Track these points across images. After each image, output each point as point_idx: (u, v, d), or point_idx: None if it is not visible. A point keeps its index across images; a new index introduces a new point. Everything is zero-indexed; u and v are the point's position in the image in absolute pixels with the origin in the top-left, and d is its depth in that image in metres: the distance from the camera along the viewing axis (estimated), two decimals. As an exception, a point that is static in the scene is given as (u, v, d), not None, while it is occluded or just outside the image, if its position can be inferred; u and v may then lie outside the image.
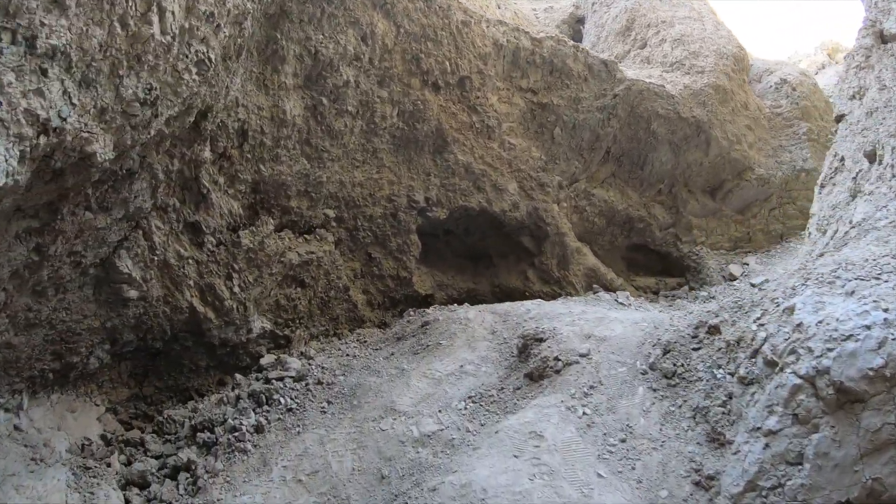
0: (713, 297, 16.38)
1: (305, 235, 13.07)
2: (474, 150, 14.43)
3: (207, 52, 8.34)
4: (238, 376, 11.89)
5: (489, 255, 16.02)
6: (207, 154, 10.24)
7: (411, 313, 13.73)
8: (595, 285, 16.04)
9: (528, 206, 15.19)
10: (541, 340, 10.59)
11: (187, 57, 8.03)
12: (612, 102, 15.65)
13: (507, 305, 13.11)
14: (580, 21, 21.09)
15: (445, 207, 14.43)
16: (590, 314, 11.65)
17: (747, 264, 17.89)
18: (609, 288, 16.75)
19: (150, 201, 9.54)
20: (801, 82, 20.29)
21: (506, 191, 14.89)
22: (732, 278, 17.16)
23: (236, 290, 11.62)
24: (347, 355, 12.29)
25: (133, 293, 10.06)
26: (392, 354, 11.96)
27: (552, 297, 16.10)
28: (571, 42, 15.76)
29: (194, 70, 8.22)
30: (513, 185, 14.97)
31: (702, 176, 17.37)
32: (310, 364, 11.91)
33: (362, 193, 13.49)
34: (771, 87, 20.10)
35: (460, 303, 16.06)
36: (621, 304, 13.87)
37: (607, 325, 10.79)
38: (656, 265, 17.98)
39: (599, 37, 19.18)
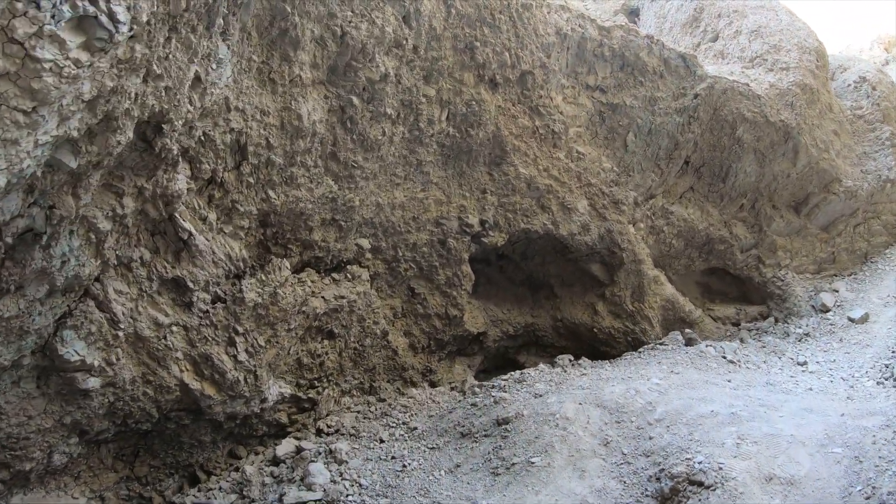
0: (808, 335, 12.82)
1: (333, 274, 9.49)
2: (538, 160, 10.87)
3: (114, 8, 4.58)
4: (248, 469, 8.39)
5: (550, 283, 12.52)
6: (182, 183, 6.65)
7: (476, 390, 10.03)
8: (681, 330, 12.41)
9: (601, 227, 11.61)
10: (700, 485, 6.65)
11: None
12: (693, 103, 12.09)
13: (616, 392, 8.98)
14: (634, 13, 17.42)
15: (504, 231, 10.85)
16: (740, 406, 8.03)
17: (837, 291, 14.28)
18: (687, 321, 13.16)
19: (94, 262, 5.99)
20: (880, 80, 16.61)
21: (575, 210, 11.33)
22: (825, 309, 13.54)
23: (242, 357, 8.05)
24: (393, 457, 8.50)
25: (93, 382, 6.55)
26: (457, 467, 8.06)
27: (625, 334, 12.49)
28: (644, 32, 12.21)
29: (97, 46, 4.44)
30: (583, 202, 11.40)
31: (787, 189, 13.78)
32: (341, 473, 8.15)
33: (404, 217, 9.92)
34: (849, 85, 16.45)
35: (516, 339, 12.55)
36: (730, 361, 10.31)
37: (786, 450, 7.01)
38: (733, 291, 14.36)
39: (661, 29, 15.61)
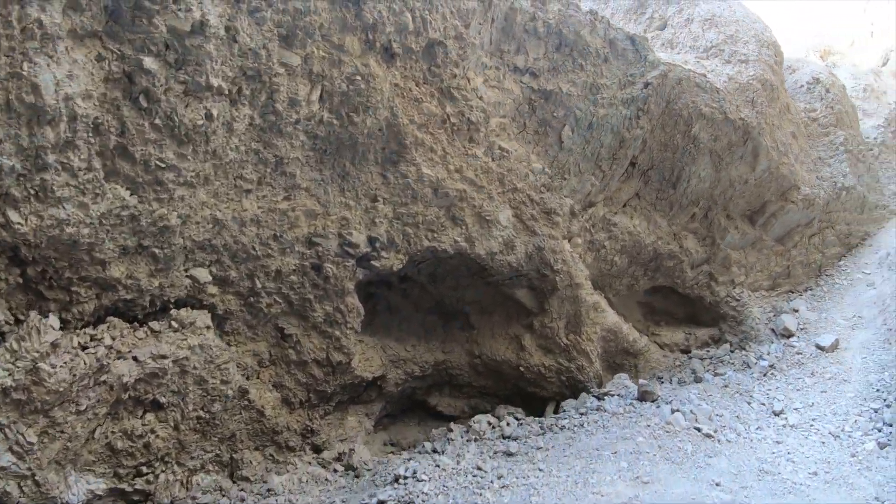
0: (773, 367, 9.79)
1: (153, 323, 6.09)
2: (448, 158, 7.41)
3: None
4: None
5: (465, 311, 9.16)
6: None
7: (365, 472, 6.63)
8: (626, 362, 9.33)
9: (529, 244, 8.21)
10: None
11: None
12: (643, 94, 8.86)
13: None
14: None
15: (402, 251, 7.38)
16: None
17: (797, 311, 11.32)
18: (631, 352, 9.96)
19: None
20: (833, 83, 13.68)
21: (495, 222, 7.96)
22: (788, 334, 10.51)
23: (5, 461, 4.66)
24: None
25: None
26: None
27: (559, 372, 9.18)
28: (586, 6, 8.95)
29: None
30: (506, 212, 7.99)
31: (744, 197, 10.73)
32: None
33: (260, 236, 6.40)
34: (802, 87, 13.49)
35: (425, 380, 9.20)
36: (707, 435, 7.10)
37: None
38: (679, 311, 11.25)
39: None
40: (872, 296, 11.32)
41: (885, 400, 8.24)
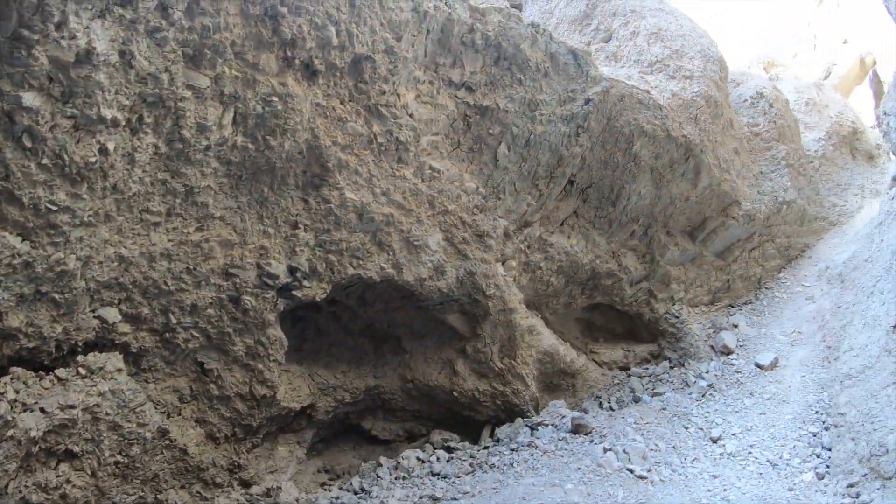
0: (712, 386, 9.74)
1: (59, 371, 5.60)
2: (374, 181, 7.03)
3: None
4: None
5: (397, 335, 8.77)
6: None
7: None
8: (563, 382, 9.15)
9: (460, 269, 7.88)
10: None
11: None
12: (583, 110, 8.63)
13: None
14: (517, 7, 13.93)
15: (325, 280, 6.98)
16: None
17: (737, 326, 11.30)
18: (568, 372, 9.78)
19: None
20: (776, 97, 13.69)
21: (424, 248, 7.57)
22: (727, 351, 10.48)
23: None
24: None
25: None
26: None
27: (493, 396, 8.93)
28: (528, 19, 8.66)
29: None
30: (436, 236, 7.64)
31: (685, 214, 10.62)
32: None
33: (172, 270, 5.89)
34: (746, 101, 13.45)
35: (358, 405, 8.86)
36: (640, 476, 6.92)
37: None
38: (618, 327, 11.10)
39: (547, 25, 12.18)
40: (812, 310, 11.36)
41: (823, 422, 8.20)
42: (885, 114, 10.25)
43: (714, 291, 11.68)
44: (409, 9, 6.99)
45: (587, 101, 8.61)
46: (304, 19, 5.97)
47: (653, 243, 10.34)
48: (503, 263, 8.41)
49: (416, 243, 7.51)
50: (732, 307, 11.96)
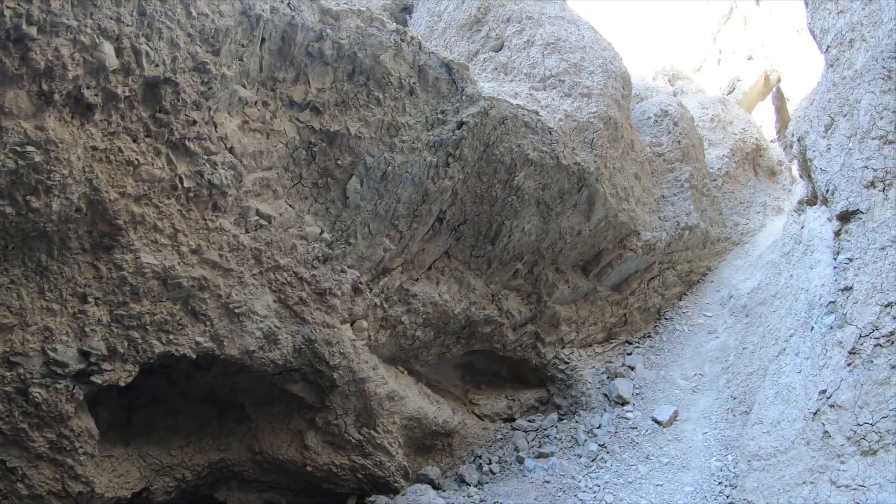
0: (605, 447, 8.52)
1: None
2: (181, 237, 5.32)
3: None
4: None
5: (240, 402, 7.14)
6: None
7: None
8: (433, 444, 7.71)
9: (297, 336, 6.25)
10: None
11: None
12: (456, 136, 7.15)
13: None
14: (407, 10, 12.35)
15: (130, 361, 5.32)
16: None
17: (633, 369, 10.18)
18: (443, 432, 8.40)
19: None
20: (681, 116, 12.67)
21: (250, 314, 5.89)
22: (622, 402, 9.35)
23: None
24: None
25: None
26: None
27: (354, 470, 7.37)
28: (393, 24, 7.07)
29: None
30: (264, 299, 5.98)
31: (577, 249, 9.31)
32: None
33: None
34: (649, 118, 12.35)
35: (206, 477, 7.13)
36: None
37: None
38: (503, 369, 9.68)
39: (433, 29, 10.59)
40: (715, 347, 10.41)
41: (727, 496, 7.11)
42: (792, 135, 9.44)
43: (609, 328, 10.54)
44: (232, 13, 5.30)
45: (460, 125, 7.14)
46: (63, 40, 4.20)
47: (539, 282, 9.03)
48: (353, 324, 6.85)
49: (237, 310, 5.86)
50: (629, 343, 10.86)
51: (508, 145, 7.60)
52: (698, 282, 12.71)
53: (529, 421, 9.12)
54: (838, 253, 6.59)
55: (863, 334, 5.75)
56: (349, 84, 6.51)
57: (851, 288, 6.19)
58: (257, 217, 5.90)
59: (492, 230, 7.98)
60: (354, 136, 6.54)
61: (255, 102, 5.96)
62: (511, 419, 9.27)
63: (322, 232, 6.45)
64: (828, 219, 6.68)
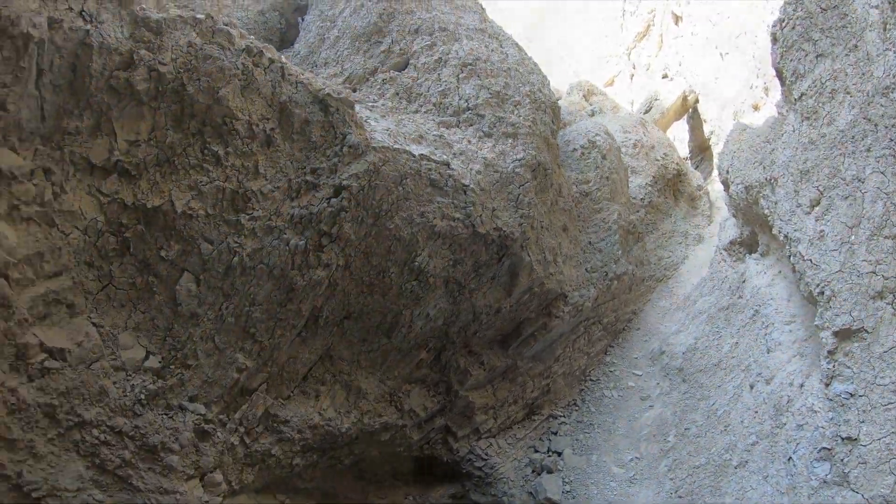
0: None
1: None
2: None
3: None
4: None
5: None
6: None
7: None
8: None
9: None
10: None
11: None
12: (332, 207, 4.85)
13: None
14: (300, 10, 9.75)
15: None
16: None
17: (560, 455, 8.25)
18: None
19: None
20: (609, 147, 10.76)
21: (56, 493, 3.52)
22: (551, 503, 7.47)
23: None
24: None
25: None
26: None
27: None
28: (245, 40, 4.65)
29: None
30: (72, 468, 3.47)
31: (494, 327, 7.39)
32: None
33: None
34: (576, 150, 10.36)
35: None
36: None
37: None
38: (406, 465, 7.65)
39: (325, 38, 8.01)
40: (650, 419, 8.71)
41: None
42: (727, 172, 7.95)
43: (531, 403, 8.59)
44: None
45: (339, 190, 4.84)
46: None
47: (449, 370, 6.91)
48: (202, 479, 4.49)
49: (36, 494, 3.43)
50: (554, 417, 8.96)
51: (408, 215, 5.37)
52: (623, 329, 11.04)
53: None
54: (832, 378, 4.90)
55: (873, 510, 4.03)
56: (175, 133, 4.11)
57: (856, 440, 4.50)
58: (44, 356, 3.45)
59: (386, 322, 5.75)
60: (183, 214, 4.15)
61: (31, 174, 3.50)
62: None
63: (147, 356, 4.07)
64: (817, 326, 4.98)
